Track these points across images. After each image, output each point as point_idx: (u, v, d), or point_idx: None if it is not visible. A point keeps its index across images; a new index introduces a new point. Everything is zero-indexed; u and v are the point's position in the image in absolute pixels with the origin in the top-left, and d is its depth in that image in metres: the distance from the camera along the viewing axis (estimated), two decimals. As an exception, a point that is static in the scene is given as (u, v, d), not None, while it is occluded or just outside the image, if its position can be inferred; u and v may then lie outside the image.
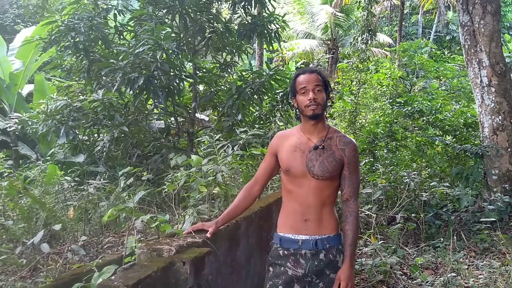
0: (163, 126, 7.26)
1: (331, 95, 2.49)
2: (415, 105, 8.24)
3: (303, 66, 16.18)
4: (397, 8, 22.37)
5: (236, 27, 6.94)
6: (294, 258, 2.41)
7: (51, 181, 6.23)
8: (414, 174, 6.31)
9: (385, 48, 20.56)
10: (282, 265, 2.42)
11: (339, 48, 21.12)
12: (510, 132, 6.58)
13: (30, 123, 7.18)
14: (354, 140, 2.50)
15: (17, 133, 9.00)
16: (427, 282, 4.40)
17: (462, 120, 8.17)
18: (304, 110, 2.38)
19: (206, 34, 6.67)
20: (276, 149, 2.52)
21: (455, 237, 5.37)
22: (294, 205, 2.44)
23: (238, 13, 7.00)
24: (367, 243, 5.07)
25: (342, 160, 2.40)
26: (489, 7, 6.60)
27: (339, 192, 2.50)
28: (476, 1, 6.64)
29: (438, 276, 4.59)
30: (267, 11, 6.92)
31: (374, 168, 7.27)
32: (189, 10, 6.40)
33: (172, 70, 5.84)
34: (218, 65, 7.33)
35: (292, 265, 2.40)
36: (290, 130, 2.62)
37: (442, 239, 5.42)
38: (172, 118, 7.15)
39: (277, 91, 6.83)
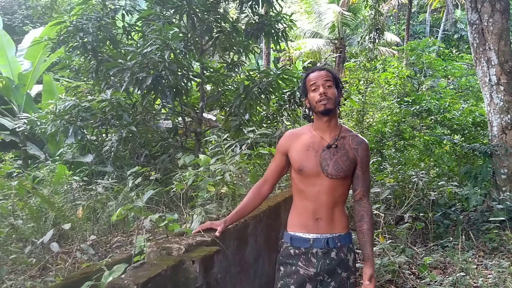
0: (171, 126, 7.28)
1: (342, 93, 2.48)
2: (423, 104, 8.19)
3: (310, 65, 16.15)
4: (405, 6, 22.29)
5: (243, 27, 6.94)
6: (305, 257, 2.38)
7: (59, 181, 6.27)
8: (422, 173, 6.29)
9: (393, 47, 20.50)
10: (294, 264, 2.40)
11: (347, 47, 21.07)
12: (519, 131, 6.53)
13: (38, 123, 7.21)
14: (366, 140, 2.49)
15: (26, 133, 9.04)
16: (435, 281, 4.39)
17: (470, 119, 8.11)
18: (316, 106, 2.36)
19: (214, 33, 6.67)
20: (286, 148, 2.48)
21: (463, 237, 5.35)
22: (306, 204, 2.41)
23: (245, 12, 7.00)
24: (375, 242, 5.06)
25: (355, 160, 2.40)
26: (498, 5, 6.55)
27: (351, 191, 2.49)
28: (485, -1, 6.60)
29: (447, 276, 4.57)
30: (274, 11, 6.92)
31: (382, 167, 7.25)
32: (197, 10, 6.41)
33: (179, 70, 5.85)
34: (225, 64, 7.33)
35: (303, 264, 2.38)
36: (300, 129, 2.56)
37: (450, 239, 5.41)
38: (180, 118, 7.16)
39: (284, 90, 6.83)
